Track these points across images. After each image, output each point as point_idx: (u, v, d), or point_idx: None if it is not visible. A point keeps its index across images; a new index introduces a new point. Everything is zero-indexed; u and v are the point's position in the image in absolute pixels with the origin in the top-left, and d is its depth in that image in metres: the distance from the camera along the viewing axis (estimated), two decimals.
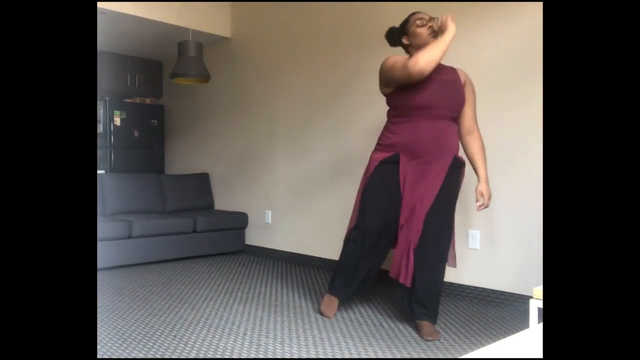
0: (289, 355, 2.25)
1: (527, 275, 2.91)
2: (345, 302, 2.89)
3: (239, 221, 4.88)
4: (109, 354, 2.23)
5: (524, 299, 2.91)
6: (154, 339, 2.44)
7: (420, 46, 2.52)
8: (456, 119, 2.60)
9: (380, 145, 2.67)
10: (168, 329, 2.59)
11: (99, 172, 4.97)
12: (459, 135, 2.62)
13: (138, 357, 2.21)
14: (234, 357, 2.22)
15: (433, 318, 2.56)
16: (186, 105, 5.76)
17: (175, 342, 2.40)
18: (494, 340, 2.43)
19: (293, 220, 4.45)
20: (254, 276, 3.85)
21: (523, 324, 2.70)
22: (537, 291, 1.54)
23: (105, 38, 4.99)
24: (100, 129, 5.60)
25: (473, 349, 2.33)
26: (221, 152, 5.24)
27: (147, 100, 5.98)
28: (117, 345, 2.35)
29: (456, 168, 2.58)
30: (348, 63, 3.95)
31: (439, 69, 2.55)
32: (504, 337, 2.48)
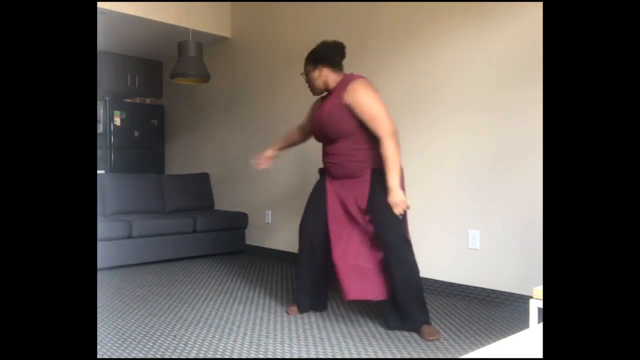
0: (289, 355, 2.25)
1: (527, 275, 2.91)
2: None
3: (239, 221, 4.88)
4: (109, 354, 2.23)
5: (524, 299, 2.91)
6: (154, 339, 2.44)
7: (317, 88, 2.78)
8: (355, 135, 2.60)
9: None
10: (168, 329, 2.59)
11: (99, 172, 4.97)
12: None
13: (138, 357, 2.21)
14: (234, 357, 2.22)
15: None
16: (186, 105, 5.76)
17: (175, 342, 2.40)
18: (494, 340, 2.43)
19: (293, 220, 4.45)
20: (254, 276, 3.85)
21: (523, 324, 2.70)
22: (537, 291, 1.54)
23: (105, 38, 4.99)
24: (100, 129, 5.60)
25: (473, 349, 2.33)
26: (221, 152, 5.24)
27: (147, 100, 5.98)
28: (117, 345, 2.35)
29: (380, 176, 2.56)
30: (348, 63, 3.94)
31: (329, 94, 2.73)
32: (504, 337, 2.48)
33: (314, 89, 2.78)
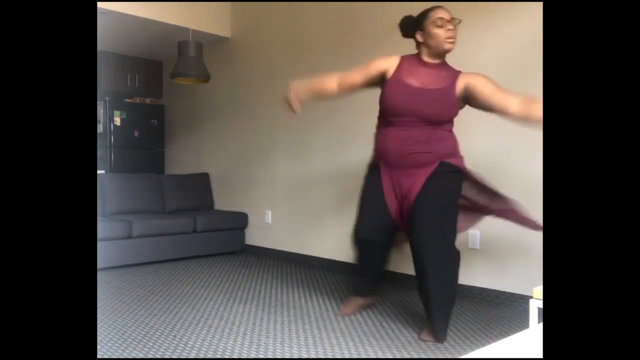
0: (289, 355, 2.25)
1: (527, 275, 2.91)
2: (374, 294, 2.98)
3: (239, 221, 4.88)
4: (109, 354, 2.23)
5: (524, 299, 2.91)
6: (154, 339, 2.44)
7: (434, 48, 2.36)
8: (443, 123, 2.41)
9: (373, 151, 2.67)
10: (168, 329, 2.59)
11: (99, 172, 4.97)
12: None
13: (138, 357, 2.21)
14: (234, 357, 2.22)
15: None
16: (186, 105, 5.76)
17: (175, 342, 2.40)
18: (494, 340, 2.43)
19: (293, 220, 4.45)
20: (254, 276, 3.85)
21: (523, 324, 2.70)
22: (537, 291, 1.54)
23: (105, 38, 4.99)
24: (100, 129, 5.60)
25: (473, 349, 2.33)
26: (221, 152, 5.24)
27: (147, 100, 5.98)
28: (117, 345, 2.35)
29: (444, 174, 2.42)
30: (348, 63, 3.94)
31: (428, 75, 2.40)
32: (504, 337, 2.48)
33: (446, 49, 2.38)
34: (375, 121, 3.71)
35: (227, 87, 5.15)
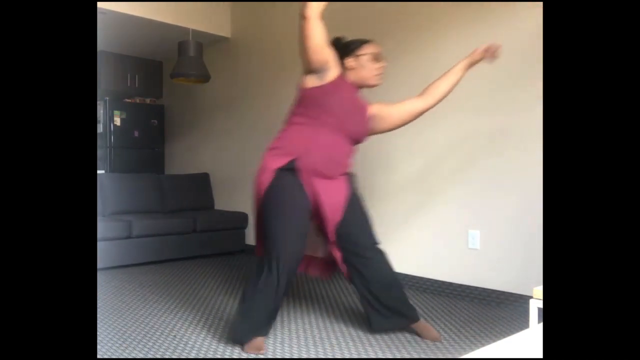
0: (289, 355, 2.24)
1: (527, 275, 2.91)
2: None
3: (239, 221, 4.88)
4: (109, 354, 2.23)
5: (524, 299, 2.91)
6: (154, 339, 2.44)
7: (362, 79, 2.40)
8: (357, 144, 2.48)
9: (278, 149, 2.33)
10: (168, 329, 2.59)
11: (99, 172, 4.97)
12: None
13: (138, 357, 2.21)
14: (234, 357, 2.22)
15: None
16: (186, 105, 5.75)
17: (175, 342, 2.40)
18: (494, 340, 2.43)
19: None
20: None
21: (523, 324, 2.70)
22: (537, 291, 1.54)
23: (105, 38, 4.99)
24: (100, 129, 5.60)
25: (473, 349, 2.33)
26: (221, 152, 5.24)
27: (147, 100, 5.98)
28: (117, 345, 2.35)
29: (352, 182, 2.50)
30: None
31: (358, 98, 2.44)
32: (504, 337, 2.48)
33: (374, 84, 2.46)
34: None
35: (227, 87, 5.15)
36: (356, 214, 2.44)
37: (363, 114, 2.45)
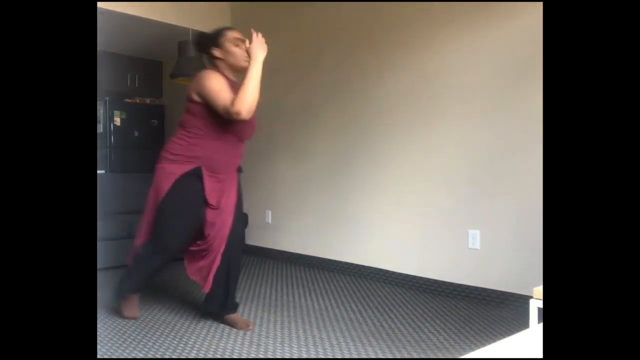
0: (289, 355, 2.25)
1: (527, 275, 2.91)
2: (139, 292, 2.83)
3: (245, 221, 4.87)
4: (109, 354, 2.23)
5: (524, 299, 2.91)
6: (154, 339, 2.44)
7: (233, 65, 2.56)
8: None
9: (176, 155, 2.54)
10: (168, 329, 2.59)
11: (99, 172, 4.97)
12: None
13: (138, 357, 2.21)
14: (234, 357, 2.22)
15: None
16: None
17: (175, 342, 2.40)
18: (494, 340, 2.43)
19: (293, 220, 4.45)
20: (253, 276, 3.85)
21: (523, 324, 2.70)
22: (537, 291, 1.54)
23: (105, 38, 4.99)
24: (100, 129, 5.60)
25: (473, 349, 2.33)
26: None
27: (147, 100, 5.98)
28: (117, 345, 2.35)
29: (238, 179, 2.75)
30: (348, 63, 3.95)
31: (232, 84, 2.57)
32: (504, 337, 2.48)
33: (243, 66, 2.57)
34: (376, 121, 3.71)
35: None
36: (239, 210, 2.72)
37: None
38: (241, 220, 2.74)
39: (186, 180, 2.51)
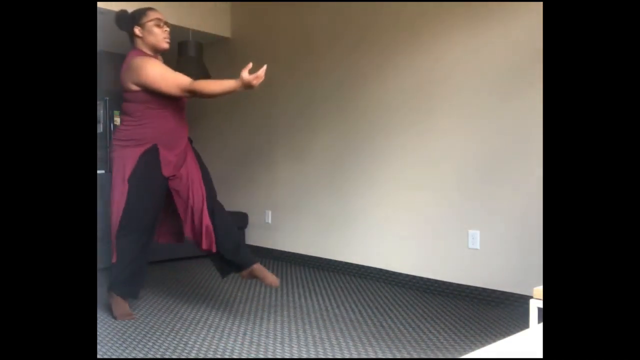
0: (289, 355, 2.25)
1: (527, 275, 2.91)
2: (134, 299, 2.92)
3: (239, 221, 4.88)
4: (109, 354, 2.23)
5: (524, 299, 2.91)
6: (154, 339, 2.44)
7: (153, 45, 2.65)
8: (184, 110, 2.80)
9: (127, 141, 2.66)
10: (168, 329, 2.59)
11: (99, 172, 4.96)
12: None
13: (138, 357, 2.21)
14: (234, 357, 2.22)
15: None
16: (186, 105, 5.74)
17: (175, 342, 2.40)
18: (494, 340, 2.43)
19: (293, 220, 4.45)
20: None
21: (523, 324, 2.70)
22: (537, 291, 1.54)
23: (105, 38, 4.99)
24: (100, 129, 5.60)
25: (473, 349, 2.33)
26: (221, 152, 5.24)
27: None
28: (117, 345, 2.35)
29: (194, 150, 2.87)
30: (348, 63, 3.95)
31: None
32: (504, 337, 2.48)
33: (164, 47, 2.73)
34: (376, 121, 3.71)
35: None
36: (206, 173, 2.82)
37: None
38: (213, 191, 2.81)
39: (144, 159, 2.61)
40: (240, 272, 2.76)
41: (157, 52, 2.72)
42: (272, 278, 2.69)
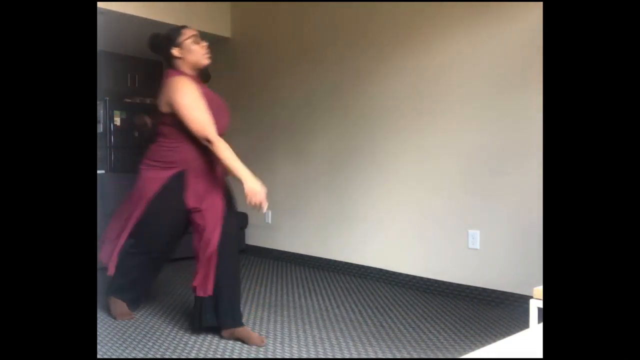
0: (289, 355, 2.24)
1: (527, 275, 2.91)
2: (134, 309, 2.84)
3: (239, 221, 4.87)
4: (109, 354, 2.23)
5: (524, 299, 2.91)
6: (154, 339, 2.44)
7: (194, 63, 2.53)
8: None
9: (156, 162, 2.59)
10: (168, 329, 2.59)
11: (99, 172, 4.97)
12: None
13: (138, 357, 2.21)
14: (234, 357, 2.22)
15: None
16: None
17: (175, 342, 2.40)
18: (494, 340, 2.43)
19: (293, 220, 4.45)
20: (254, 276, 3.85)
21: (523, 324, 2.70)
22: (537, 291, 1.54)
23: (105, 38, 4.98)
24: (100, 129, 5.59)
25: (473, 349, 2.33)
26: None
27: (147, 100, 5.97)
28: (117, 345, 2.35)
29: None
30: (348, 63, 3.95)
31: (208, 90, 2.62)
32: (504, 337, 2.48)
33: (205, 63, 2.61)
34: (376, 120, 3.71)
35: (227, 87, 5.14)
36: (232, 210, 2.62)
37: (224, 107, 2.71)
38: (235, 221, 2.63)
39: (170, 185, 2.50)
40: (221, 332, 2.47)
41: (198, 70, 2.60)
42: (257, 339, 2.39)
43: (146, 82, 5.88)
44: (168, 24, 4.58)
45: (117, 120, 5.59)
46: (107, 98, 5.56)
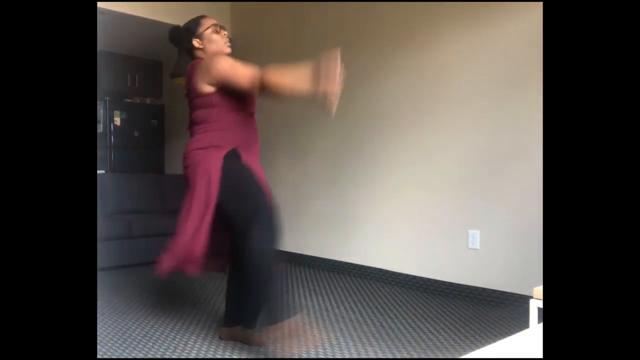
0: (289, 355, 2.24)
1: (527, 275, 2.91)
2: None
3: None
4: (109, 354, 2.23)
5: (524, 299, 2.91)
6: (154, 339, 2.44)
7: (216, 53, 2.42)
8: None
9: (207, 146, 2.37)
10: (168, 329, 2.59)
11: (99, 172, 4.97)
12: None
13: (138, 357, 2.21)
14: (234, 357, 2.22)
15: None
16: (186, 105, 5.74)
17: (175, 342, 2.40)
18: (494, 340, 2.43)
19: (293, 220, 4.44)
20: None
21: (523, 324, 2.70)
22: (537, 291, 1.54)
23: (105, 38, 4.99)
24: (100, 129, 5.59)
25: (473, 349, 2.33)
26: None
27: (147, 100, 5.97)
28: (117, 345, 2.35)
29: None
30: (348, 63, 3.94)
31: None
32: (504, 337, 2.48)
33: (227, 52, 2.50)
34: (376, 120, 3.71)
35: None
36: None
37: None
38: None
39: (229, 157, 2.34)
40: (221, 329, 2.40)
41: None
42: (256, 339, 2.33)
43: (146, 82, 5.89)
44: (168, 24, 4.59)
45: (117, 120, 5.59)
46: (107, 98, 5.56)
